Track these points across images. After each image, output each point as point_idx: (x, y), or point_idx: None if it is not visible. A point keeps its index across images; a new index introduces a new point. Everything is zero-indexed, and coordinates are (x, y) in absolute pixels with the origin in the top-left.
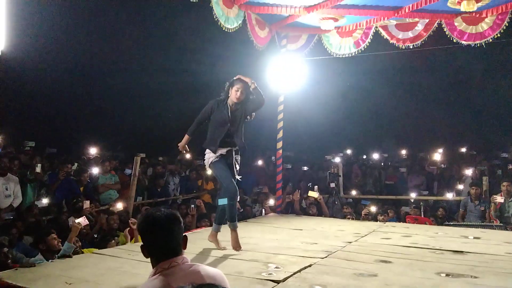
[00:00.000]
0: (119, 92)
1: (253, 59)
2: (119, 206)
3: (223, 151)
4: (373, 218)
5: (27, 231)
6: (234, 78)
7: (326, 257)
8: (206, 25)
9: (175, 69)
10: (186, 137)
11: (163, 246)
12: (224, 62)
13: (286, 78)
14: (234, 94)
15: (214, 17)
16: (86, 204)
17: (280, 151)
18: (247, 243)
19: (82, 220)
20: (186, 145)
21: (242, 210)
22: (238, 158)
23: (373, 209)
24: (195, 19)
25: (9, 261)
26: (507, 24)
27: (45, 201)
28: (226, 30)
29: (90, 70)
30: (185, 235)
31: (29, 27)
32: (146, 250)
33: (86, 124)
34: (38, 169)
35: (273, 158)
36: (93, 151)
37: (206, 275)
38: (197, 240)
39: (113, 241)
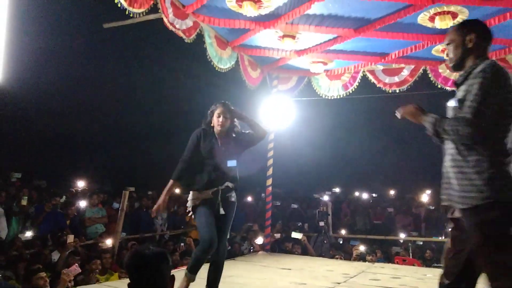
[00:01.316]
0: (110, 127)
1: (245, 98)
2: (108, 242)
3: (208, 193)
4: (362, 258)
5: (7, 265)
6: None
7: None
8: (199, 65)
9: (168, 107)
10: (170, 183)
11: (150, 286)
12: (216, 100)
13: (277, 117)
14: (216, 121)
15: (208, 57)
16: (70, 238)
17: (270, 188)
18: (235, 283)
19: (74, 269)
20: (165, 200)
21: (230, 247)
22: (232, 195)
23: (362, 248)
24: (189, 59)
25: None
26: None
27: (29, 233)
28: (219, 70)
29: (82, 105)
30: (173, 274)
31: (23, 60)
32: None
33: (75, 157)
34: (24, 201)
35: (262, 195)
36: (81, 184)
37: None
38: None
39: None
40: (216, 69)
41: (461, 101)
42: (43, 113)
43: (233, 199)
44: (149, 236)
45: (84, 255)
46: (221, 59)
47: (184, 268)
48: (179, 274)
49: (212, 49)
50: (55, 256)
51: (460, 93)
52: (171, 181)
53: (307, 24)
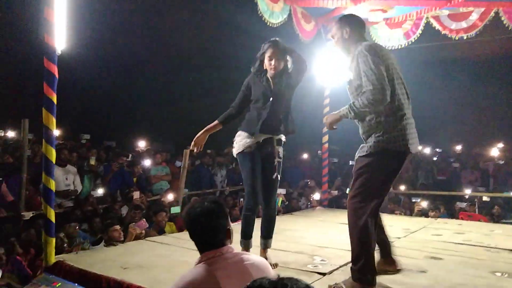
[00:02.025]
0: (172, 88)
1: (300, 52)
2: (170, 197)
3: (260, 138)
4: (424, 214)
5: (84, 219)
6: (264, 44)
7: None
8: (250, 21)
9: (223, 65)
10: (214, 123)
11: (207, 237)
12: None
13: (332, 72)
14: (268, 65)
15: (259, 12)
16: (136, 194)
17: (326, 145)
18: (293, 236)
19: (141, 224)
20: (202, 137)
21: (287, 203)
22: (281, 151)
23: (424, 204)
24: (239, 15)
25: (65, 245)
26: None
27: (100, 191)
28: (270, 25)
29: (145, 68)
30: (229, 228)
31: (85, 26)
32: (192, 240)
33: (139, 119)
34: (92, 161)
35: (319, 152)
36: (145, 144)
37: (250, 263)
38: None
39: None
40: (268, 24)
41: (350, 82)
42: (106, 78)
43: (281, 149)
44: (210, 192)
45: (150, 210)
46: (273, 13)
47: None
48: (237, 227)
49: (263, 3)
50: (124, 211)
51: (350, 74)
52: (215, 122)
53: None
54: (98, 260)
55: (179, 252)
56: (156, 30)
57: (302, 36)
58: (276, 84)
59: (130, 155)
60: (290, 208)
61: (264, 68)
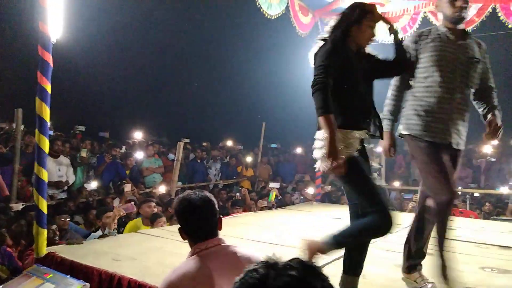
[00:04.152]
0: (164, 81)
1: (294, 47)
2: (162, 189)
3: (357, 135)
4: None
5: (76, 211)
6: (357, 4)
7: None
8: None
9: (219, 58)
10: (327, 117)
11: (199, 228)
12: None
13: None
14: (364, 34)
15: (257, 4)
16: (128, 187)
17: None
18: (286, 230)
19: (127, 206)
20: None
21: (280, 197)
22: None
23: (412, 202)
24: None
25: (56, 238)
26: None
27: (94, 184)
28: (268, 17)
29: (141, 59)
30: (220, 216)
31: (82, 15)
32: (183, 232)
33: (133, 110)
34: (83, 153)
35: (313, 146)
36: (139, 135)
37: (242, 256)
38: (236, 225)
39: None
40: (266, 15)
41: (476, 65)
42: (102, 68)
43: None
44: (203, 186)
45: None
46: (271, 5)
47: (236, 215)
48: (230, 221)
49: None
50: (117, 203)
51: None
52: (325, 117)
53: None
54: (90, 252)
55: (171, 245)
56: (152, 21)
57: (299, 29)
58: (367, 64)
59: (124, 147)
60: (283, 203)
61: (351, 40)
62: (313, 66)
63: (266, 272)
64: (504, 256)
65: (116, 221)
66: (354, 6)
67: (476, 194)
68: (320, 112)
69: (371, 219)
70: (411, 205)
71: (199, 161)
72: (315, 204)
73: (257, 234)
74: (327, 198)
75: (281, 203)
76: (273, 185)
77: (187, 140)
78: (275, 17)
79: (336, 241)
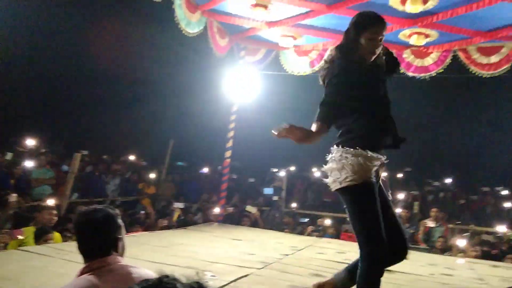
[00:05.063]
0: (69, 84)
1: (208, 67)
2: (50, 202)
3: (377, 158)
4: (309, 233)
5: None
6: (364, 14)
7: (262, 268)
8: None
9: (130, 71)
10: (317, 126)
11: (95, 245)
12: (180, 68)
13: (242, 89)
14: (369, 46)
15: (175, 19)
16: (13, 197)
17: (228, 160)
18: (184, 251)
19: (15, 233)
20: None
21: (183, 217)
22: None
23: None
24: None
25: None
26: (449, 61)
27: None
28: (186, 34)
29: (36, 61)
30: (120, 237)
31: None
32: (79, 248)
33: (25, 115)
34: None
35: (219, 167)
36: (30, 143)
37: (138, 276)
38: (133, 244)
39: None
40: (183, 32)
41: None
42: None
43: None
44: (99, 201)
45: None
46: (190, 22)
47: (133, 234)
48: (126, 240)
49: (180, 12)
50: None
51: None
52: (318, 125)
53: None
54: None
55: (57, 264)
56: (49, 27)
57: (215, 50)
58: (382, 76)
59: (10, 154)
60: (185, 223)
61: (359, 52)
62: (322, 84)
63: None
64: (385, 279)
65: None
66: (352, 22)
67: None
68: (319, 118)
69: (364, 267)
70: (310, 229)
71: (96, 174)
72: (216, 225)
73: (153, 255)
74: (229, 220)
75: (183, 223)
76: (178, 205)
77: (85, 152)
78: (193, 35)
79: None
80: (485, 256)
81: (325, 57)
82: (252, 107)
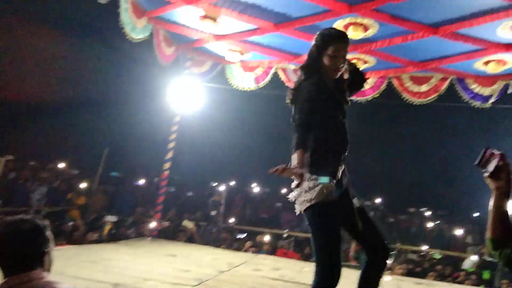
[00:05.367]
0: None
1: (151, 75)
2: None
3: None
4: (246, 249)
5: None
6: (325, 32)
7: (197, 285)
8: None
9: (65, 73)
10: (299, 153)
11: (18, 259)
12: (121, 75)
13: (185, 100)
14: (331, 64)
15: (120, 24)
16: None
17: (167, 173)
18: (114, 266)
19: None
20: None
21: (115, 231)
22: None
23: (248, 242)
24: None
25: None
26: (384, 87)
27: None
28: (130, 39)
29: None
30: (47, 250)
31: None
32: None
33: None
34: None
35: (156, 179)
36: None
37: None
38: (58, 258)
39: None
40: (128, 37)
41: None
42: None
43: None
44: (22, 211)
45: None
46: (135, 28)
47: (60, 247)
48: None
49: (126, 15)
50: None
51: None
52: (300, 151)
53: (230, 8)
54: None
55: None
56: None
57: (160, 58)
58: (343, 95)
59: None
60: (116, 237)
61: (321, 69)
62: (289, 102)
63: None
64: None
65: None
66: (314, 40)
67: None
68: (298, 146)
69: (314, 284)
70: (248, 245)
71: (21, 181)
72: (150, 240)
73: (80, 270)
74: (165, 234)
75: (114, 237)
76: (110, 218)
77: (10, 157)
78: (138, 41)
79: None
80: (410, 273)
81: (296, 77)
82: (195, 119)
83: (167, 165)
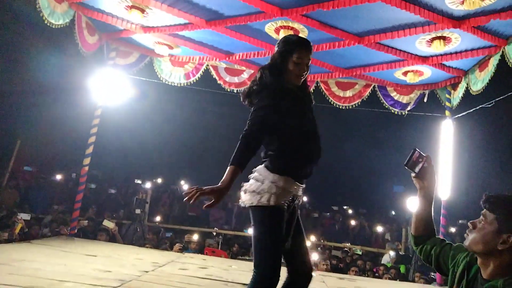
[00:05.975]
0: None
1: (73, 63)
2: None
3: (299, 190)
4: (172, 248)
5: None
6: (288, 39)
7: (119, 286)
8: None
9: None
10: (231, 170)
11: None
12: (36, 63)
13: (108, 92)
14: (296, 70)
15: (37, 7)
16: None
17: (86, 168)
18: (26, 268)
19: None
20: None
21: (27, 230)
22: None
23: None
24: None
25: None
26: (312, 91)
27: None
28: (49, 24)
29: None
30: None
31: None
32: None
33: None
34: None
35: (73, 175)
36: None
37: None
38: None
39: None
40: (46, 22)
41: None
42: None
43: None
44: None
45: None
46: (54, 12)
47: None
48: None
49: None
50: None
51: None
52: (232, 168)
53: (160, 1)
54: None
55: None
56: None
57: (81, 46)
58: (308, 102)
59: None
60: (29, 236)
61: (286, 76)
62: (246, 104)
63: None
64: None
65: None
66: (277, 46)
67: (229, 236)
68: (234, 161)
69: (251, 285)
70: (178, 247)
71: None
72: (68, 239)
73: None
74: (83, 233)
75: (27, 237)
76: (22, 216)
77: None
78: (56, 27)
79: None
80: (334, 269)
81: (255, 76)
82: (119, 113)
83: (87, 160)
